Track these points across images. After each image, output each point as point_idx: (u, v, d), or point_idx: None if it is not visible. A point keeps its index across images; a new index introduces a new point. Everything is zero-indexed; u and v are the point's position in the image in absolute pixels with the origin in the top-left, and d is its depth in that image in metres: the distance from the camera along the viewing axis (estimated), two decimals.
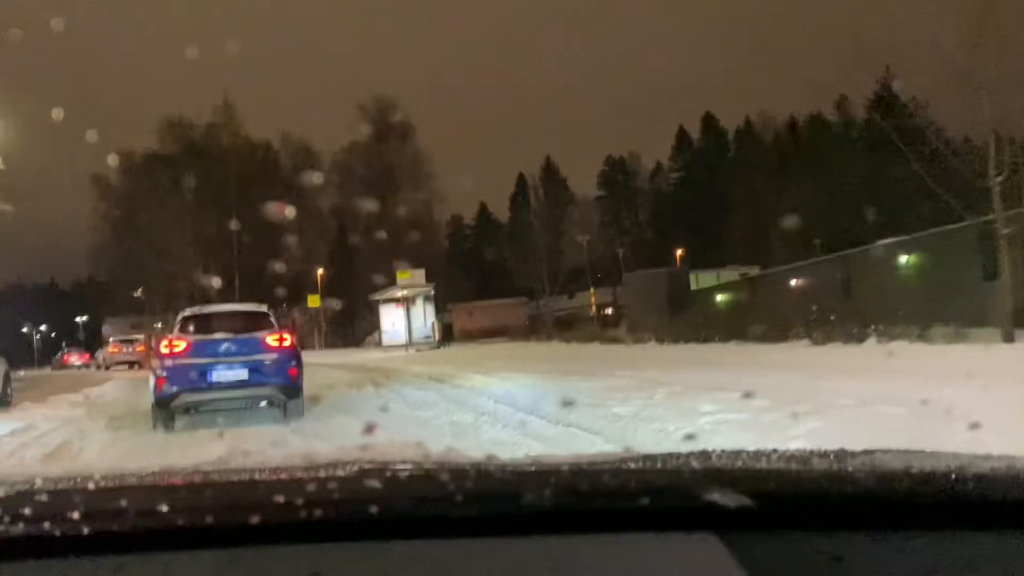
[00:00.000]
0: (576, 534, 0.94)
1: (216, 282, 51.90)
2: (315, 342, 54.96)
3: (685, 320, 19.90)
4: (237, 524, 0.93)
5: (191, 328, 9.55)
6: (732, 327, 16.46)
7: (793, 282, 23.04)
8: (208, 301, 54.57)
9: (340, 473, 1.15)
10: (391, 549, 0.92)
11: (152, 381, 9.20)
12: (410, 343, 28.36)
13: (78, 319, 78.52)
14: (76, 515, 0.94)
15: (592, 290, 52.72)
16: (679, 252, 53.90)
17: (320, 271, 49.58)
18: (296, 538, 0.93)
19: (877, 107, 70.85)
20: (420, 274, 28.55)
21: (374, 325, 37.93)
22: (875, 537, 0.94)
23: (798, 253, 36.16)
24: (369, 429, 5.30)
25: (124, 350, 37.99)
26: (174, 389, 8.92)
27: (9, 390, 13.90)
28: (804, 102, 60.44)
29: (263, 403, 9.37)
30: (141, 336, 39.25)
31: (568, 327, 37.33)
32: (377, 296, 30.69)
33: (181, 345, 9.16)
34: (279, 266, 59.76)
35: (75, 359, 48.15)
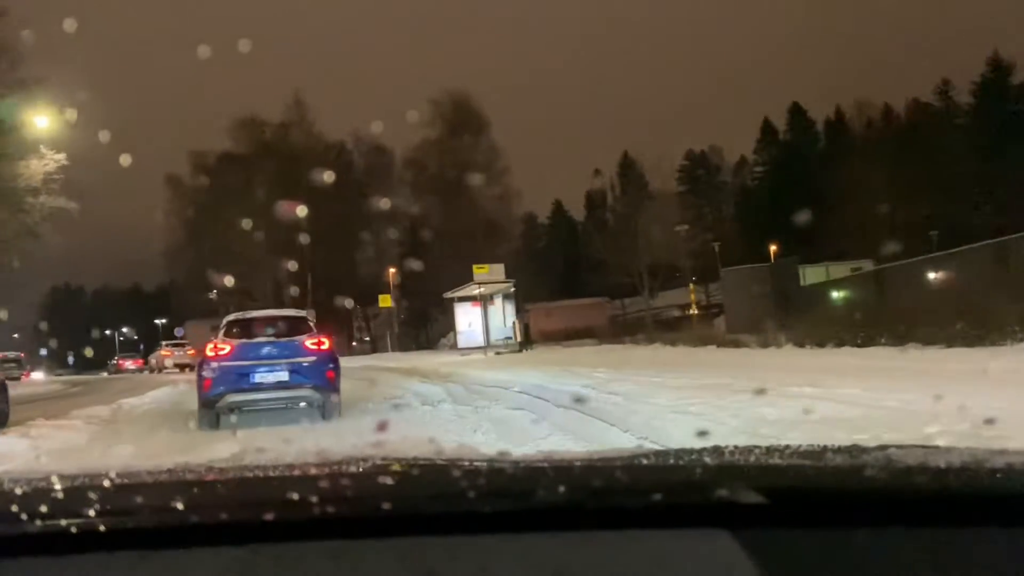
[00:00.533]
0: (589, 530, 0.93)
1: (288, 281, 51.44)
2: (388, 344, 53.57)
3: (810, 319, 17.09)
4: (250, 521, 0.94)
5: (235, 332, 9.94)
6: (875, 326, 13.70)
7: (932, 275, 20.05)
8: (281, 301, 53.97)
9: (353, 470, 1.16)
10: (404, 545, 0.92)
11: (199, 382, 9.60)
12: (488, 345, 26.29)
13: (157, 322, 79.30)
14: (91, 512, 0.95)
15: (692, 286, 49.67)
16: (773, 247, 50.43)
17: (392, 271, 48.00)
18: (309, 535, 0.92)
19: (985, 91, 65.71)
20: (499, 270, 25.64)
21: (449, 326, 36.37)
22: (891, 533, 0.92)
23: (914, 246, 32.79)
24: (382, 427, 4.88)
25: (175, 354, 39.60)
26: (220, 390, 9.31)
27: (5, 406, 12.11)
28: (900, 89, 56.02)
29: (302, 404, 9.66)
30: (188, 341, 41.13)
31: (670, 327, 34.48)
32: (452, 294, 27.89)
33: (226, 348, 9.55)
34: (351, 266, 59.27)
35: (129, 364, 49.50)
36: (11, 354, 45.77)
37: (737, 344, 17.10)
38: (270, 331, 10.03)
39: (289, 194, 51.99)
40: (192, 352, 36.20)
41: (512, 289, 24.43)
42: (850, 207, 47.32)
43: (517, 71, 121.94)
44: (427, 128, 50.65)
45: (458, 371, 16.61)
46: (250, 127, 53.39)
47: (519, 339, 25.22)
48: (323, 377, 9.44)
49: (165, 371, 36.82)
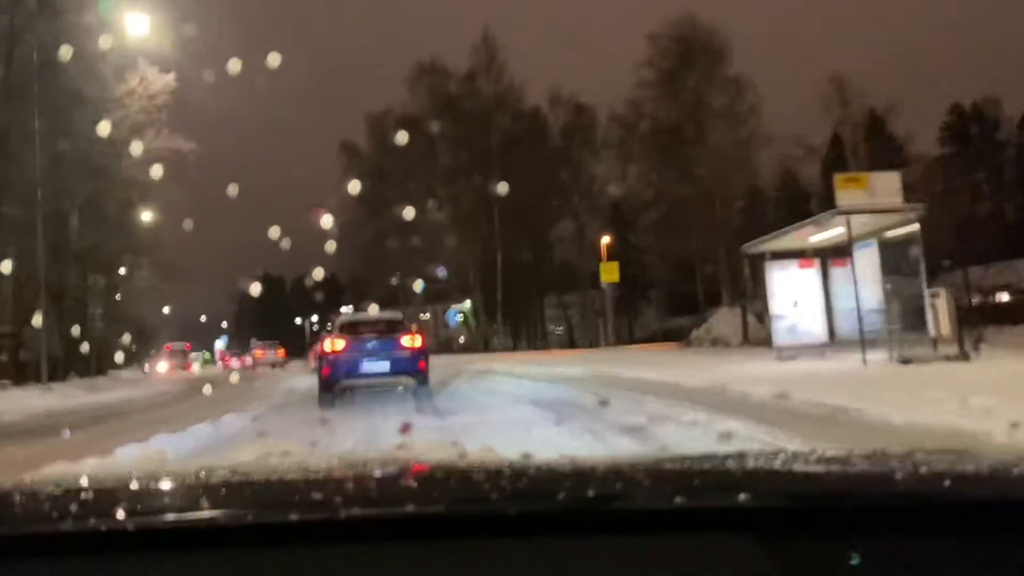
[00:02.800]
0: (612, 534, 0.93)
1: (474, 262, 43.48)
2: (599, 336, 44.20)
3: None
4: (274, 523, 0.94)
5: (347, 331, 12.69)
6: None
7: None
8: (466, 284, 46.48)
9: (377, 473, 1.18)
10: (428, 548, 0.92)
11: (319, 371, 12.55)
12: (830, 342, 13.85)
13: (343, 309, 75.18)
14: (121, 514, 0.97)
15: None
16: None
17: (606, 239, 38.36)
18: (333, 537, 0.93)
19: None
20: (890, 182, 11.94)
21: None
22: (917, 539, 0.92)
23: None
24: (405, 428, 5.04)
25: (267, 353, 42.45)
26: (336, 376, 12.05)
27: None
28: None
29: (400, 388, 12.45)
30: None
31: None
32: (763, 246, 15.20)
33: (341, 344, 12.23)
34: (544, 248, 50.70)
35: (234, 363, 50.49)
36: (177, 345, 48.78)
37: None
38: (374, 330, 12.63)
39: (477, 161, 44.13)
40: (281, 352, 41.43)
41: (915, 226, 11.50)
42: None
43: (751, 19, 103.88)
44: (644, 70, 40.31)
45: None
46: (431, 77, 45.80)
47: (947, 332, 11.26)
48: (416, 368, 12.22)
49: (258, 367, 39.13)
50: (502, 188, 36.84)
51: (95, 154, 19.83)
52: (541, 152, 46.66)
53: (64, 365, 22.66)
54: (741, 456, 1.22)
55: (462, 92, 46.08)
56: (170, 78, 23.28)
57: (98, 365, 30.90)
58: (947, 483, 1.03)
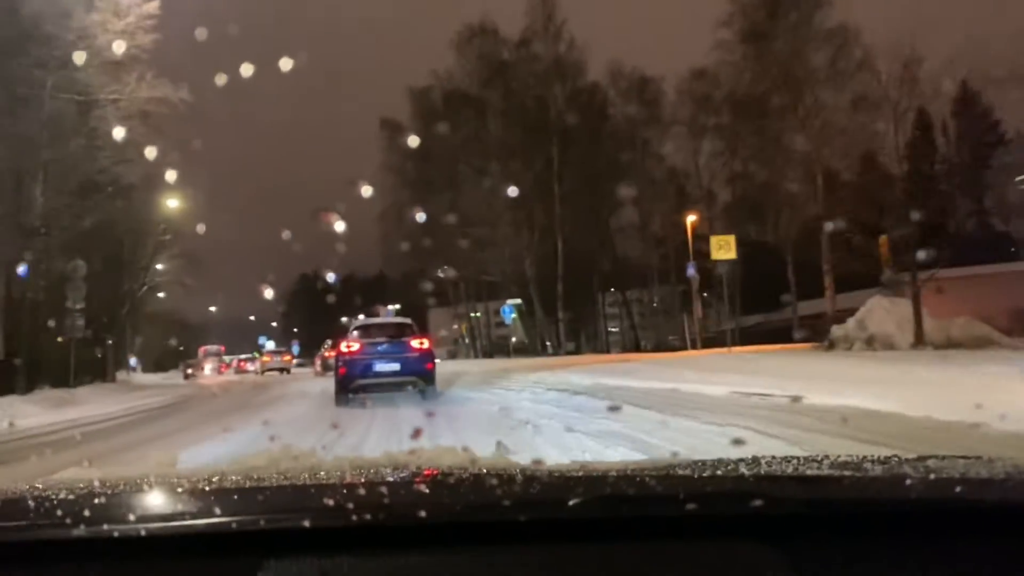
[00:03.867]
0: (625, 540, 0.93)
1: (529, 250, 38.49)
2: (684, 338, 38.84)
3: None
4: (287, 529, 0.96)
5: (360, 334, 13.46)
6: None
7: None
8: (520, 277, 41.64)
9: (389, 479, 1.19)
10: (440, 553, 0.93)
11: (335, 371, 13.35)
12: None
13: (391, 307, 70.88)
14: (133, 517, 0.98)
15: None
16: None
17: (692, 216, 32.96)
18: (345, 543, 0.94)
19: None
20: None
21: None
22: (930, 544, 0.92)
23: None
24: (416, 433, 5.07)
25: (274, 359, 43.21)
26: (352, 375, 12.81)
27: None
28: None
29: (409, 388, 12.89)
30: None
31: None
32: None
33: (355, 346, 13.11)
34: (605, 237, 45.56)
35: (249, 366, 50.03)
36: (212, 347, 49.77)
37: None
38: (385, 333, 13.56)
39: (533, 137, 39.21)
40: (287, 358, 42.88)
41: None
42: None
43: None
44: (722, 30, 34.73)
45: None
46: (481, 41, 40.81)
47: None
48: (424, 369, 12.97)
49: (267, 373, 39.82)
50: (561, 168, 32.12)
51: (58, 102, 16.07)
52: (601, 130, 41.57)
53: (28, 372, 18.62)
54: (754, 462, 1.20)
55: (516, 58, 40.98)
56: (152, 5, 19.14)
57: (102, 370, 27.38)
58: (960, 488, 1.03)
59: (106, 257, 29.63)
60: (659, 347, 39.60)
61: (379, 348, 13.03)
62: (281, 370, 40.29)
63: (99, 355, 28.37)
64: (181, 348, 70.55)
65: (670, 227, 43.94)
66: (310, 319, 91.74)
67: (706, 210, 43.77)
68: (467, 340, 57.02)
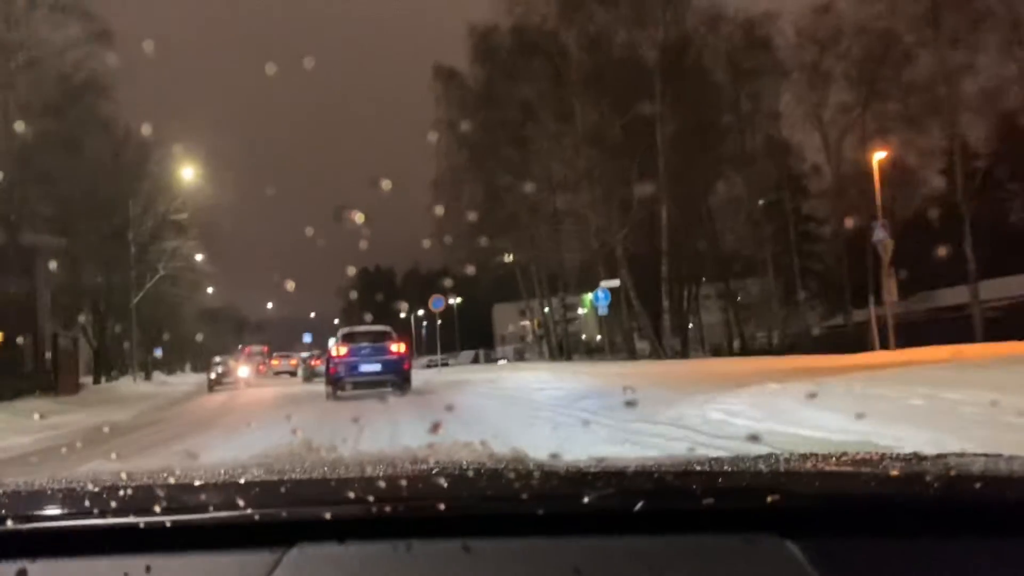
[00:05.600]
0: (642, 534, 0.94)
1: (621, 223, 30.27)
2: (875, 338, 30.53)
3: None
4: (307, 519, 0.97)
5: (348, 340, 16.11)
6: None
7: None
8: (610, 258, 33.27)
9: (408, 471, 1.20)
10: (457, 546, 0.93)
11: (327, 371, 16.29)
12: None
13: (452, 301, 63.95)
14: (158, 509, 1.00)
15: None
16: None
17: (882, 153, 24.60)
18: (365, 534, 0.95)
19: None
20: None
21: None
22: (949, 542, 0.91)
23: None
24: (435, 427, 5.13)
25: (283, 363, 44.13)
26: (340, 374, 15.50)
27: None
28: None
29: (389, 387, 15.56)
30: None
31: None
32: None
33: (344, 350, 15.72)
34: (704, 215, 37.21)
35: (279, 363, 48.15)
36: (256, 347, 49.63)
37: None
38: (368, 339, 16.01)
39: (624, 84, 31.32)
40: (293, 362, 42.75)
41: None
42: None
43: None
44: None
45: None
46: None
47: None
48: (401, 370, 15.64)
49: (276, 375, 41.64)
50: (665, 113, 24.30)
51: None
52: (702, 83, 33.47)
53: None
54: (771, 457, 1.19)
55: None
56: None
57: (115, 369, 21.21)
58: (980, 485, 1.01)
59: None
60: (795, 345, 31.30)
61: (363, 352, 15.57)
62: (291, 373, 41.66)
63: (48, 355, 22.06)
64: (240, 347, 67.60)
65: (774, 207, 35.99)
66: (372, 315, 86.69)
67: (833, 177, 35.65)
68: (538, 336, 49.73)
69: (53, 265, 22.18)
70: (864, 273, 31.32)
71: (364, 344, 15.73)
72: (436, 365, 34.13)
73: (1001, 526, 0.92)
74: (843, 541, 0.91)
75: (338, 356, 15.63)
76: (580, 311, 58.58)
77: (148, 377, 38.22)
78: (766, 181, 36.69)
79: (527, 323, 73.07)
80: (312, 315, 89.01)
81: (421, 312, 74.00)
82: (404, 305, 36.45)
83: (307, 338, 61.90)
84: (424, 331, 71.66)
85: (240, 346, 54.87)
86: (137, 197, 30.44)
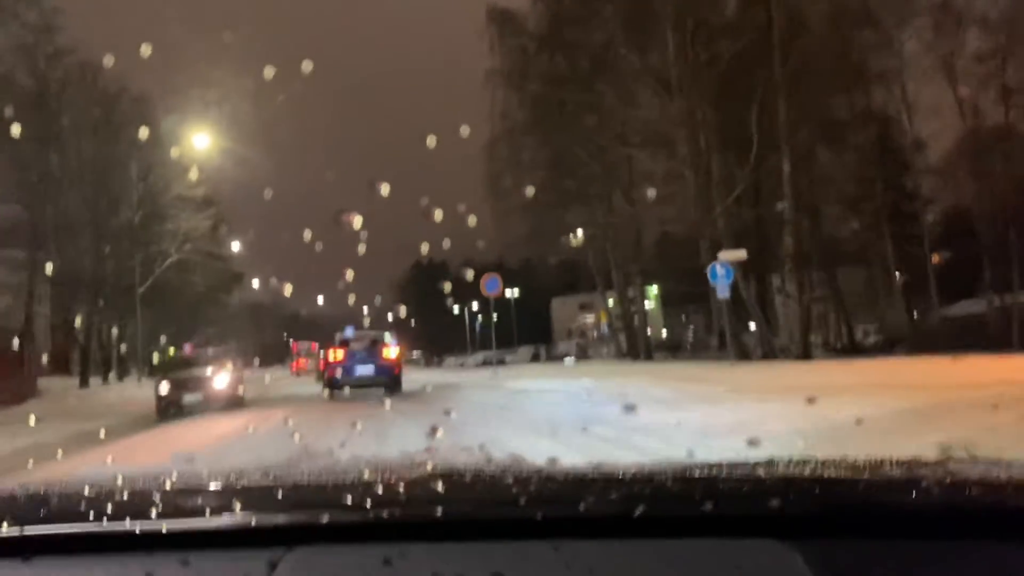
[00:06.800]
0: (640, 539, 0.94)
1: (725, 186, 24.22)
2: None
3: None
4: (305, 524, 0.98)
5: (345, 344, 17.34)
6: None
7: None
8: (714, 229, 27.10)
9: (407, 476, 1.19)
10: (455, 550, 0.94)
11: (324, 373, 17.86)
12: None
13: (508, 293, 58.69)
14: (154, 513, 1.01)
15: None
16: None
17: None
18: (363, 538, 0.96)
19: None
20: None
21: None
22: (948, 546, 0.91)
23: None
24: (433, 431, 4.60)
25: (309, 364, 39.72)
26: (337, 376, 16.95)
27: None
28: None
29: (382, 387, 16.90)
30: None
31: None
32: None
33: (341, 354, 17.19)
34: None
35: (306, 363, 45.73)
36: (304, 344, 46.86)
37: None
38: (364, 344, 17.28)
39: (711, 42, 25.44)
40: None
41: None
42: None
43: None
44: None
45: None
46: None
47: None
48: (392, 373, 17.11)
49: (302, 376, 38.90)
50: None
51: None
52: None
53: None
54: (770, 463, 1.20)
55: None
56: None
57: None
58: (979, 491, 1.00)
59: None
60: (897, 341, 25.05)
61: (359, 355, 17.18)
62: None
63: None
64: (290, 340, 64.69)
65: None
66: (425, 309, 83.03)
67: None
68: (606, 332, 44.14)
69: None
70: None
71: (359, 348, 17.25)
72: (491, 363, 28.65)
73: (1000, 531, 0.91)
74: (843, 546, 0.91)
75: (336, 360, 17.27)
76: (647, 304, 52.44)
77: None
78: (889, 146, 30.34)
79: (589, 318, 67.30)
80: (365, 309, 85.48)
81: (476, 307, 69.18)
82: (447, 286, 31.56)
83: (349, 332, 57.71)
84: (478, 326, 66.84)
85: (290, 341, 52.65)
86: (130, 165, 25.83)
